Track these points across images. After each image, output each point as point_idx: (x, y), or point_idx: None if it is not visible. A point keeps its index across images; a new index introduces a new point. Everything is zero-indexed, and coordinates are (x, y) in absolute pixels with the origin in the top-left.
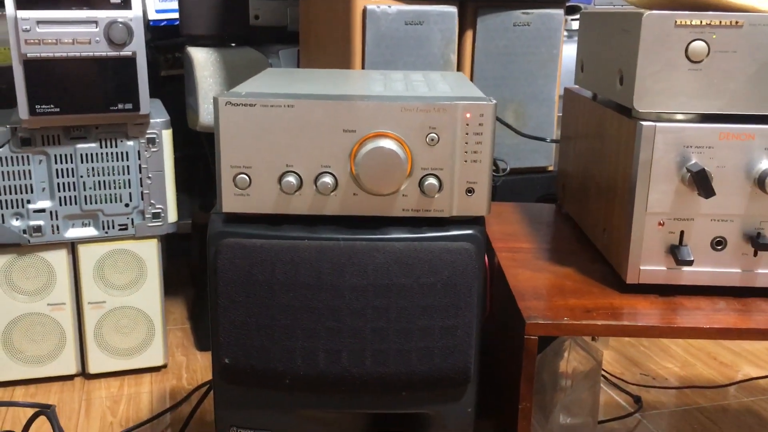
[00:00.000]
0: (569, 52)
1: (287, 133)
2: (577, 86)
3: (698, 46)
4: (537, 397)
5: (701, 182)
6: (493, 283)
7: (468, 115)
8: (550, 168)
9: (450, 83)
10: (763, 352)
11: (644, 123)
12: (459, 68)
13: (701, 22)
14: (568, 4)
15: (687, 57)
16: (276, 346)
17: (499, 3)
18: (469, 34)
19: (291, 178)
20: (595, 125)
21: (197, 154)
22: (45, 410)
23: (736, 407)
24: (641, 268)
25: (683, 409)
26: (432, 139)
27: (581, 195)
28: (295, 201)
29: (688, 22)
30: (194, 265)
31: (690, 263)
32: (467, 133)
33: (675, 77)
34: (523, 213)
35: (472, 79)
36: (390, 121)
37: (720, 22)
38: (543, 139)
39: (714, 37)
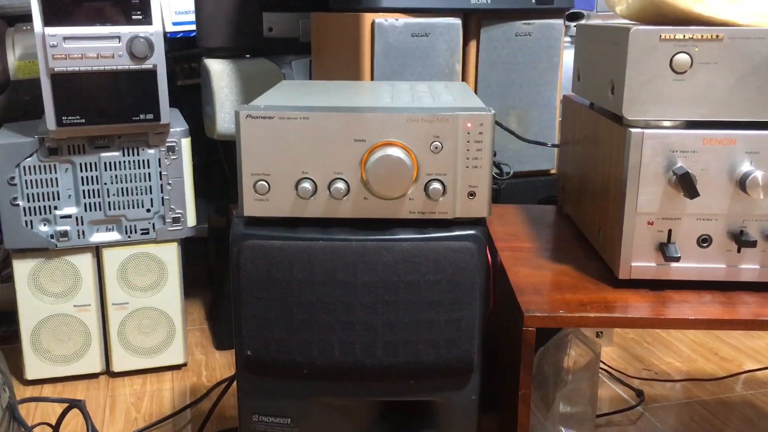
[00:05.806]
0: (572, 57)
1: (303, 142)
2: (574, 94)
3: (682, 58)
4: (540, 392)
5: (686, 184)
6: (496, 280)
7: (469, 125)
8: (552, 171)
9: (453, 93)
10: (765, 348)
11: (633, 130)
12: (463, 77)
13: (684, 36)
14: (570, 11)
15: (672, 68)
16: (294, 339)
17: (502, 14)
18: (473, 45)
19: (306, 184)
20: (590, 131)
21: (212, 161)
22: (76, 404)
23: (737, 400)
24: (632, 264)
25: (684, 402)
26: (436, 147)
27: (579, 196)
28: (310, 205)
29: (672, 36)
30: (211, 268)
31: (677, 259)
32: (468, 141)
33: (661, 87)
34: (524, 214)
35: (476, 88)
36: (397, 130)
37: (702, 36)
38: (544, 144)
39: (696, 50)
